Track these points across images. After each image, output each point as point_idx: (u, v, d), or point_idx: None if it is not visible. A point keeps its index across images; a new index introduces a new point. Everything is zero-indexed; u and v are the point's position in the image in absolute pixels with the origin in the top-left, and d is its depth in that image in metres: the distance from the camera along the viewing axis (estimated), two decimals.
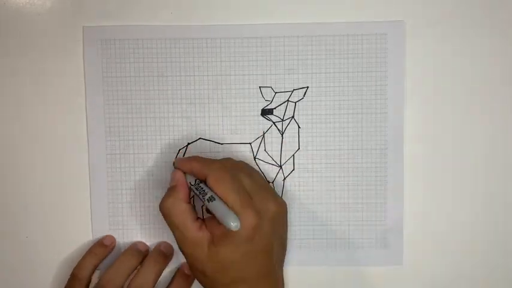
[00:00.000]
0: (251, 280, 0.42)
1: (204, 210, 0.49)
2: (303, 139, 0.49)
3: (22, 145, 0.49)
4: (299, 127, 0.49)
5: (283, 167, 0.50)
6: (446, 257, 0.50)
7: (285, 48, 0.49)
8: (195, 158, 0.45)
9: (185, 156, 0.49)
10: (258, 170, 0.49)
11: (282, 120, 0.49)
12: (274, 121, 0.49)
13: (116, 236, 0.50)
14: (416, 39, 0.49)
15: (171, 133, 0.49)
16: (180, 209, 0.42)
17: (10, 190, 0.50)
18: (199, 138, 0.50)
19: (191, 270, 0.44)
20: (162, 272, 0.48)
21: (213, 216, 0.42)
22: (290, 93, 0.49)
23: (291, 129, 0.49)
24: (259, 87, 0.49)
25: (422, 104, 0.49)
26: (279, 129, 0.49)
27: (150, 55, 0.49)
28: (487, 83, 0.49)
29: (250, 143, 0.50)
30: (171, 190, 0.44)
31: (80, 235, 0.50)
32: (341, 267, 0.50)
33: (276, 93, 0.49)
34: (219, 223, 0.41)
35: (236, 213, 0.40)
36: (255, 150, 0.50)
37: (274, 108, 0.49)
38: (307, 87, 0.49)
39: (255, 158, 0.50)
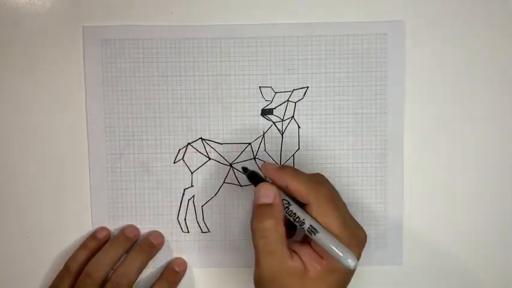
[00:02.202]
0: None
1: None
2: (303, 139, 0.49)
3: (22, 145, 0.49)
4: (299, 127, 0.49)
5: None
6: (446, 257, 0.50)
7: (285, 48, 0.49)
8: (292, 172, 0.41)
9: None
10: None
11: (282, 120, 0.49)
12: (274, 121, 0.49)
13: None
14: (416, 39, 0.49)
15: (171, 133, 0.49)
16: (280, 234, 0.39)
17: (10, 190, 0.50)
18: (200, 138, 0.50)
19: None
20: (147, 261, 0.49)
21: (307, 246, 0.41)
22: (290, 93, 0.49)
23: (291, 129, 0.49)
24: (259, 87, 0.49)
25: (422, 104, 0.49)
26: (279, 129, 0.49)
27: (150, 55, 0.49)
28: (487, 83, 0.49)
29: (250, 143, 0.50)
30: (269, 209, 0.40)
31: (80, 235, 0.50)
32: None
33: (276, 93, 0.49)
34: (317, 256, 0.40)
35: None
36: (255, 150, 0.50)
37: (274, 108, 0.49)
38: (307, 87, 0.49)
39: (255, 158, 0.50)
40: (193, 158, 0.50)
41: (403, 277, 0.50)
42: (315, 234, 0.39)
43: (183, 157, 0.50)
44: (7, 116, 0.49)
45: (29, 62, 0.49)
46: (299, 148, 0.50)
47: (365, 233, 0.41)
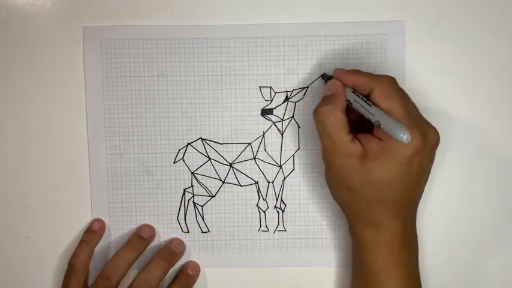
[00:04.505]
0: (395, 204, 0.42)
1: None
2: (303, 139, 0.49)
3: (22, 145, 0.49)
4: (299, 127, 0.49)
5: (283, 167, 0.50)
6: (446, 257, 0.50)
7: (285, 48, 0.49)
8: (358, 71, 0.43)
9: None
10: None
11: (282, 120, 0.49)
12: (274, 121, 0.49)
13: (116, 236, 0.50)
14: (416, 39, 0.49)
15: (171, 133, 0.50)
16: (337, 118, 0.41)
17: (10, 190, 0.50)
18: (200, 138, 0.50)
19: (331, 185, 0.44)
20: (169, 269, 0.49)
21: (369, 134, 0.42)
22: (290, 93, 0.49)
23: (291, 129, 0.49)
24: (259, 87, 0.49)
25: (422, 104, 0.49)
26: (279, 129, 0.49)
27: (150, 55, 0.49)
28: (487, 83, 0.49)
29: (250, 143, 0.50)
30: (329, 98, 0.42)
31: (81, 235, 0.50)
32: (341, 267, 0.50)
33: (276, 93, 0.49)
34: (377, 138, 0.41)
35: None
36: (255, 150, 0.50)
37: (274, 108, 0.49)
38: (307, 87, 0.49)
39: (255, 158, 0.50)
40: (193, 158, 0.50)
41: None
42: (372, 114, 0.40)
43: (183, 157, 0.50)
44: (7, 115, 0.49)
45: (29, 61, 0.49)
46: (299, 148, 0.50)
47: (437, 133, 0.42)
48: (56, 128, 0.49)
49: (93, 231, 0.49)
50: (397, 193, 0.42)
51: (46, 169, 0.50)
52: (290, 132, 0.49)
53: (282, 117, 0.49)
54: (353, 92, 0.42)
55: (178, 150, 0.50)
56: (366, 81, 0.42)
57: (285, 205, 0.50)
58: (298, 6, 0.48)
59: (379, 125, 0.40)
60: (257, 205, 0.50)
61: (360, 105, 0.42)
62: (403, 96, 0.42)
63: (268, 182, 0.50)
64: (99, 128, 0.49)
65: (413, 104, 0.42)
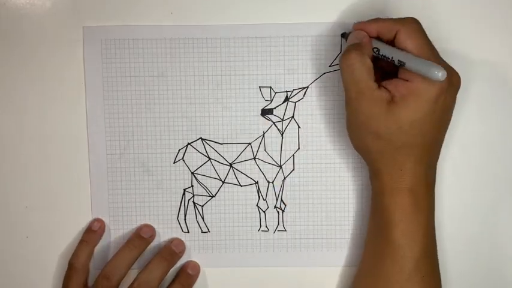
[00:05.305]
0: (421, 148, 0.42)
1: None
2: (303, 139, 0.50)
3: (22, 145, 0.49)
4: (299, 127, 0.49)
5: (283, 167, 0.50)
6: (445, 257, 0.50)
7: (285, 48, 0.49)
8: (379, 18, 0.43)
9: None
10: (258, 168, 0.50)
11: (282, 120, 0.49)
12: (274, 121, 0.49)
13: (116, 236, 0.50)
14: None
15: (171, 133, 0.50)
16: (366, 64, 0.41)
17: (10, 190, 0.50)
18: (200, 138, 0.50)
19: (355, 134, 0.44)
20: (169, 269, 0.49)
21: (393, 78, 0.42)
22: (290, 93, 0.49)
23: (291, 129, 0.49)
24: (259, 87, 0.49)
25: None
26: (279, 129, 0.49)
27: (150, 55, 0.49)
28: (486, 84, 0.49)
29: (250, 143, 0.50)
30: (356, 45, 0.42)
31: (81, 235, 0.50)
32: (341, 267, 0.50)
33: (276, 93, 0.49)
34: (403, 81, 0.41)
35: None
36: (255, 150, 0.50)
37: (274, 108, 0.49)
38: (307, 87, 0.49)
39: (255, 158, 0.50)
40: (193, 158, 0.50)
41: None
42: (403, 62, 0.40)
43: (183, 157, 0.50)
44: (7, 115, 0.49)
45: (29, 61, 0.49)
46: (299, 148, 0.50)
47: (459, 76, 0.42)
48: (56, 128, 0.49)
49: (93, 231, 0.49)
50: (424, 135, 0.41)
51: (46, 169, 0.50)
52: (290, 132, 0.49)
53: (282, 117, 0.49)
54: (377, 39, 0.43)
55: (178, 150, 0.50)
56: (390, 25, 0.42)
57: (285, 205, 0.50)
58: (298, 6, 0.48)
59: (409, 67, 0.40)
60: (257, 205, 0.50)
61: (387, 51, 0.42)
62: (427, 37, 0.42)
63: (268, 182, 0.50)
64: (99, 128, 0.49)
65: (435, 48, 0.42)
